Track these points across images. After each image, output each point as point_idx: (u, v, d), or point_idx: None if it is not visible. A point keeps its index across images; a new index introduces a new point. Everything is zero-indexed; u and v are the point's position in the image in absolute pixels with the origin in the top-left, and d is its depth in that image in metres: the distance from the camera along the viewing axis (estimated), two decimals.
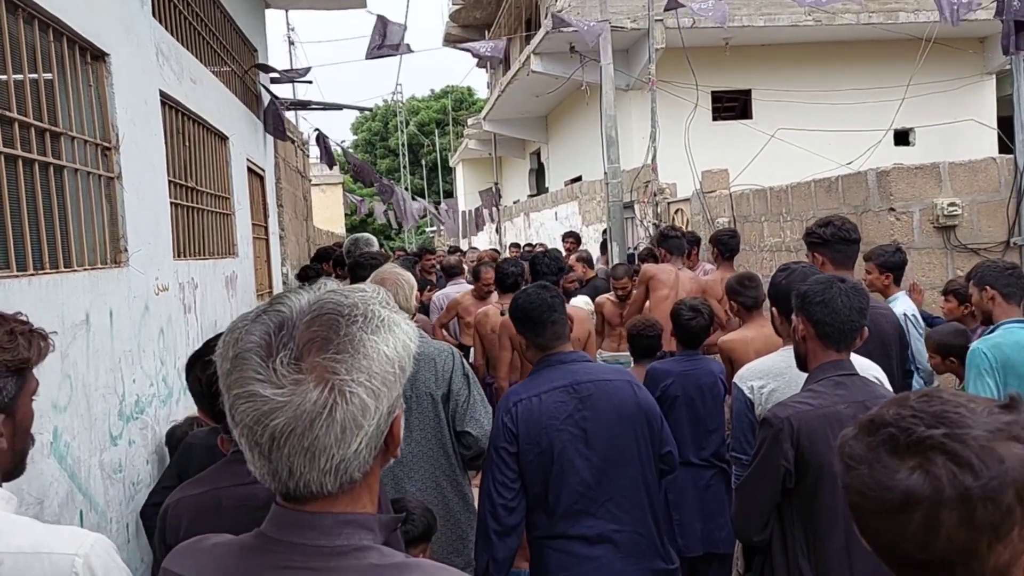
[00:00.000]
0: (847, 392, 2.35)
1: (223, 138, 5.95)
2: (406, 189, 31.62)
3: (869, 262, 4.50)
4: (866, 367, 2.66)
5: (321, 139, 9.82)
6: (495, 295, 6.10)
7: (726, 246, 6.18)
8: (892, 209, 5.93)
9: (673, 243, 6.22)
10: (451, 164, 35.66)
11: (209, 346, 1.96)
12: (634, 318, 4.91)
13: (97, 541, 1.42)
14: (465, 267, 8.44)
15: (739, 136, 12.72)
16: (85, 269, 3.16)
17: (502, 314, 5.29)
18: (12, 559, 1.32)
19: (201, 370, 1.93)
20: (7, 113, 2.63)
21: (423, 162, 41.00)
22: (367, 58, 7.58)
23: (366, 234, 6.89)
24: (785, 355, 2.77)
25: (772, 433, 2.33)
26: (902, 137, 13.83)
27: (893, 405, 1.05)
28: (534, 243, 14.09)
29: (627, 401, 2.69)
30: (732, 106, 14.34)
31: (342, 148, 11.41)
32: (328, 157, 10.51)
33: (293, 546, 1.02)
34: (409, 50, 7.58)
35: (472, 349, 6.00)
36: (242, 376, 0.98)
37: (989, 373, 3.27)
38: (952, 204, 5.79)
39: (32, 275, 2.67)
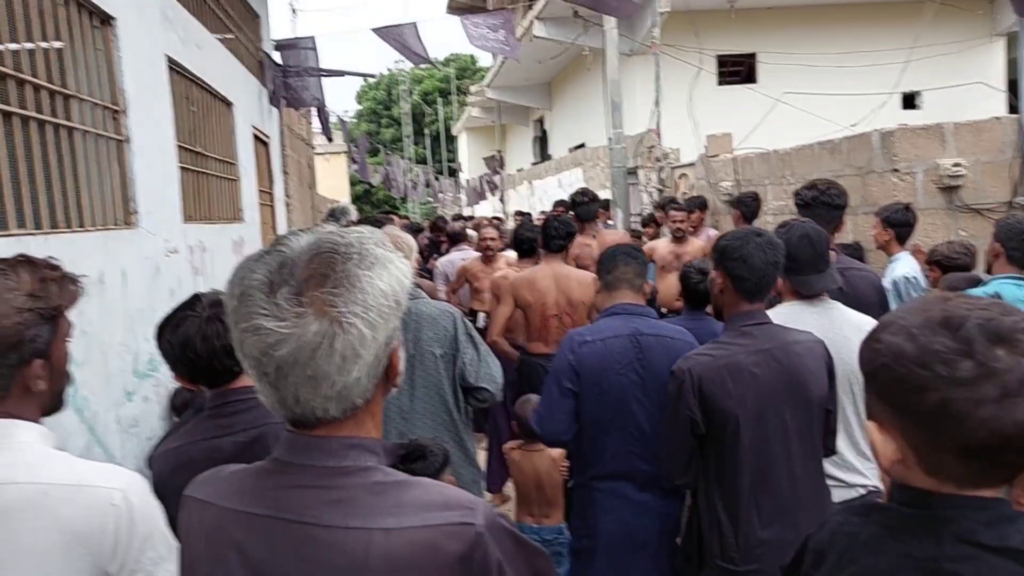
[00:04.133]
0: (752, 341, 2.43)
1: (228, 104, 5.98)
2: (409, 159, 31.59)
3: (876, 217, 4.54)
4: (858, 323, 2.71)
5: (320, 111, 9.80)
6: (502, 259, 6.15)
7: (748, 207, 6.21)
8: (896, 170, 5.95)
9: (581, 210, 5.87)
10: (454, 133, 35.52)
11: (177, 311, 1.99)
12: None
13: (135, 478, 1.47)
14: (471, 233, 8.47)
15: (744, 100, 12.67)
16: (98, 229, 3.22)
17: None
18: (56, 490, 1.36)
19: (170, 332, 1.95)
20: (20, 75, 2.67)
21: (427, 131, 40.84)
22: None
23: (343, 204, 6.93)
24: (788, 309, 2.83)
25: (677, 384, 2.44)
26: (909, 100, 13.75)
27: (946, 304, 1.07)
28: (524, 211, 14.08)
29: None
30: (737, 70, 14.25)
31: (340, 118, 11.39)
32: (326, 129, 10.51)
33: (303, 467, 1.10)
34: (426, 59, 7.51)
35: (481, 315, 6.04)
36: (248, 311, 1.05)
37: None
38: (956, 164, 5.80)
39: (48, 233, 2.73)
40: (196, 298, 1.99)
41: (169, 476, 1.84)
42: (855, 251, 4.73)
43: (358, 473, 1.09)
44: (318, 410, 1.07)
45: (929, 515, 1.08)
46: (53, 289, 1.44)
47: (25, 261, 1.46)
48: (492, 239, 6.16)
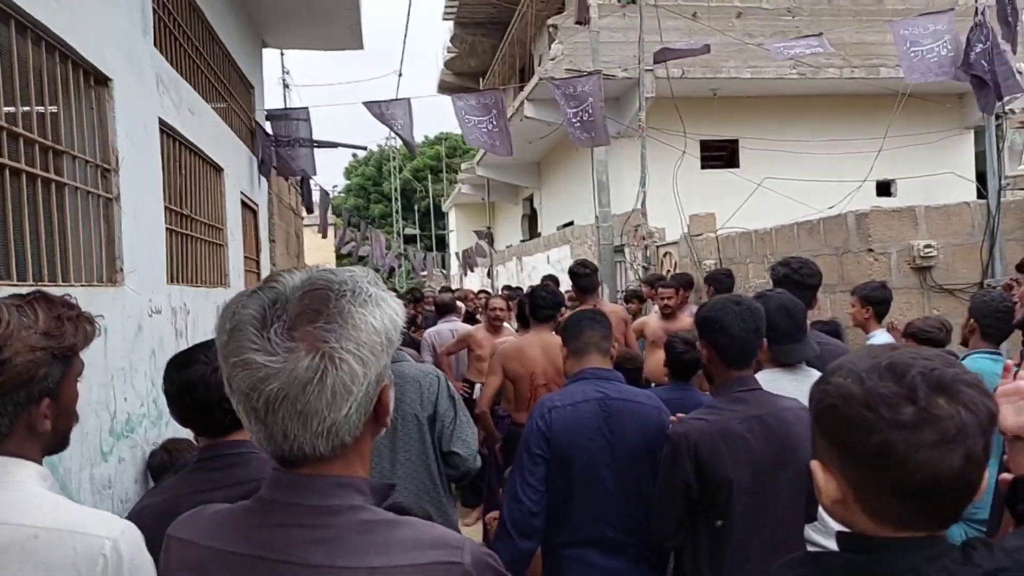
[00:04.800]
0: (745, 407, 2.47)
1: (218, 170, 6.08)
2: (398, 234, 31.87)
3: (854, 295, 4.64)
4: None
5: (304, 182, 9.95)
6: (507, 330, 6.21)
7: (722, 284, 6.27)
8: (871, 250, 6.09)
9: (583, 282, 5.84)
10: (444, 209, 35.97)
11: (189, 352, 2.00)
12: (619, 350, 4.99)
13: (127, 527, 1.44)
14: (460, 305, 8.52)
15: (727, 184, 12.99)
16: (82, 285, 3.25)
17: None
18: (47, 534, 1.34)
19: (176, 371, 1.96)
20: (12, 128, 2.74)
21: (416, 207, 41.33)
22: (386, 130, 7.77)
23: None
24: (768, 376, 2.87)
25: (672, 449, 2.47)
26: (884, 188, 14.14)
27: (894, 353, 1.12)
28: (512, 286, 14.20)
29: (652, 424, 2.80)
30: (720, 155, 14.65)
31: (322, 189, 11.56)
32: (307, 200, 10.63)
33: (289, 506, 1.09)
34: (410, 147, 7.78)
35: (478, 385, 6.03)
36: (239, 345, 1.04)
37: None
38: (928, 246, 5.95)
39: (32, 286, 2.76)
40: (211, 344, 2.01)
41: (153, 528, 1.81)
42: (832, 328, 4.81)
43: (345, 512, 1.08)
44: (307, 447, 1.06)
45: (873, 559, 1.11)
46: (68, 328, 1.43)
47: (41, 297, 1.45)
48: (500, 309, 6.23)
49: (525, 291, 11.82)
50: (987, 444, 1.06)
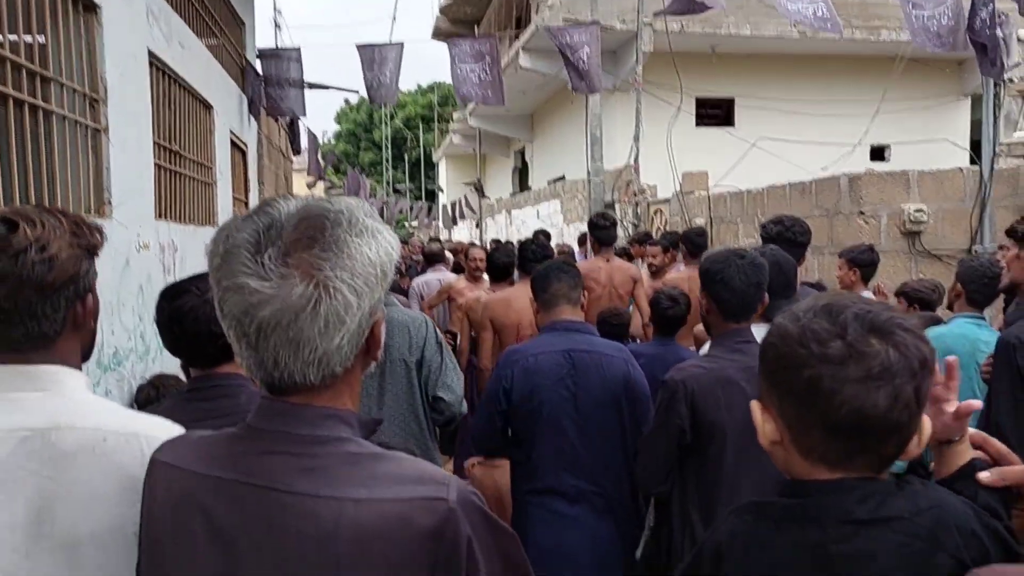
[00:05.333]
0: (742, 357, 2.48)
1: (208, 107, 5.99)
2: (388, 183, 31.59)
3: (841, 258, 4.66)
4: None
5: (293, 123, 9.83)
6: (486, 281, 6.20)
7: (695, 244, 6.13)
8: (862, 213, 6.11)
9: (602, 234, 5.88)
10: (435, 160, 35.67)
11: (182, 283, 2.00)
12: (609, 307, 5.01)
13: (183, 430, 1.47)
14: (449, 256, 8.49)
15: (721, 143, 12.93)
16: None
17: None
18: (114, 437, 1.35)
19: (168, 301, 1.95)
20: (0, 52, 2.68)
21: (407, 157, 40.96)
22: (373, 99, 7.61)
23: None
24: (757, 332, 2.89)
25: (668, 394, 2.48)
26: (878, 153, 14.11)
27: (833, 298, 1.14)
28: (501, 240, 14.18)
29: (617, 375, 2.82)
30: (715, 113, 14.54)
31: (310, 131, 11.43)
32: (295, 142, 10.51)
33: (276, 434, 1.08)
34: (388, 97, 7.56)
35: (459, 334, 6.08)
36: (231, 269, 1.03)
37: None
38: (919, 210, 5.97)
39: None
40: (204, 276, 1.99)
41: None
42: (819, 289, 4.84)
43: (332, 443, 1.08)
44: (297, 375, 1.05)
45: (809, 503, 1.13)
46: (86, 230, 1.43)
47: (48, 210, 1.45)
48: (481, 260, 6.21)
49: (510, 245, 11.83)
50: (919, 388, 1.07)
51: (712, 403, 2.41)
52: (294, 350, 1.03)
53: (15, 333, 1.35)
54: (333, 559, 1.02)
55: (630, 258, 8.51)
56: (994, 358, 2.77)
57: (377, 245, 1.07)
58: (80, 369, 1.46)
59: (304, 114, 8.59)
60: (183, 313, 1.91)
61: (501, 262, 5.40)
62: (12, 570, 1.30)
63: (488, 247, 12.86)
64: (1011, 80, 10.86)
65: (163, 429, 1.42)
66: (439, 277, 7.04)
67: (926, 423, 1.11)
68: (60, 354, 1.41)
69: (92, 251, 1.43)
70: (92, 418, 1.36)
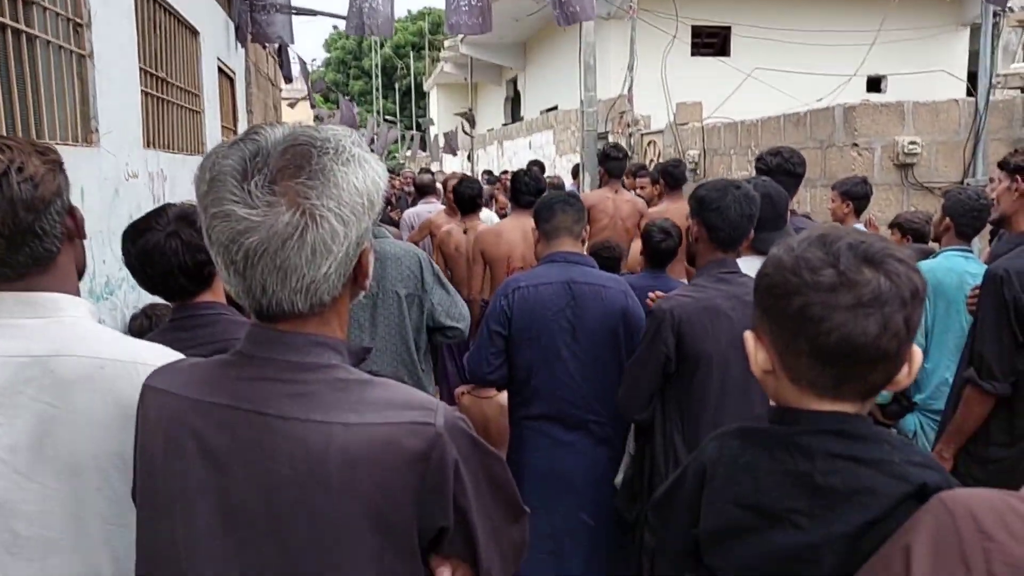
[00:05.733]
0: (728, 287, 2.51)
1: (194, 32, 5.86)
2: (378, 113, 31.12)
3: (834, 191, 4.66)
4: None
5: (282, 50, 9.61)
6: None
7: (671, 176, 5.93)
8: (855, 144, 6.08)
9: (613, 165, 5.93)
10: (426, 89, 35.10)
11: (141, 221, 1.98)
12: (601, 239, 5.02)
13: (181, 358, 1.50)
14: (439, 187, 8.44)
15: (717, 72, 12.73)
16: (57, 144, 3.17)
17: (464, 232, 5.40)
18: (112, 365, 1.37)
19: (131, 242, 1.94)
20: None
21: (397, 86, 40.26)
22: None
23: None
24: (746, 264, 2.91)
25: (655, 322, 2.51)
26: (875, 84, 13.96)
27: (828, 230, 1.16)
28: (492, 171, 14.06)
29: (616, 307, 2.86)
30: (711, 43, 14.30)
31: (300, 58, 11.20)
32: (286, 68, 10.30)
33: (267, 360, 1.10)
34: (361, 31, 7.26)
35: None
36: (218, 196, 1.03)
37: None
38: (912, 142, 5.94)
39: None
40: (163, 209, 1.96)
41: None
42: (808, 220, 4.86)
43: (321, 369, 1.09)
44: (285, 303, 1.07)
45: (799, 431, 1.16)
46: (44, 149, 1.44)
47: (6, 137, 1.46)
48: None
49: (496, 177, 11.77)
50: (908, 317, 1.09)
51: (699, 331, 2.45)
52: (282, 278, 1.04)
53: (20, 256, 1.36)
54: (323, 481, 1.04)
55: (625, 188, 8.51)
56: (981, 290, 2.80)
57: (364, 174, 1.07)
58: (79, 294, 1.47)
59: (292, 41, 8.42)
60: (148, 252, 1.90)
61: (466, 194, 5.44)
62: (15, 491, 1.33)
63: (482, 178, 12.80)
64: (1011, 9, 10.68)
65: (161, 357, 1.43)
66: (430, 209, 7.01)
67: (916, 353, 1.13)
68: (61, 273, 1.42)
69: (61, 167, 1.44)
70: (91, 346, 1.38)
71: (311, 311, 1.09)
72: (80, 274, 1.52)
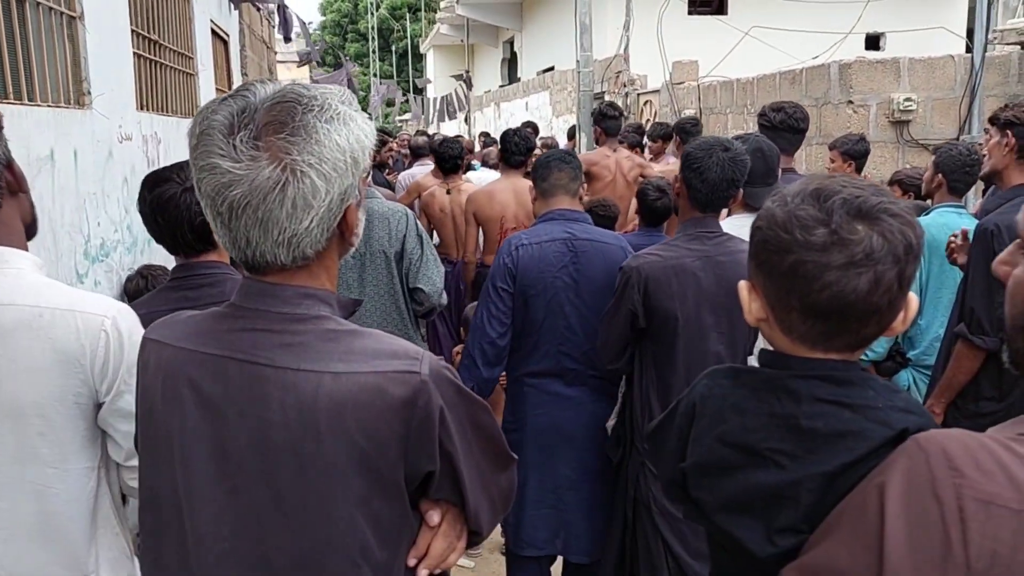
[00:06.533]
0: (700, 246, 2.54)
1: None
2: (375, 75, 30.81)
3: (833, 150, 4.64)
4: None
5: (281, 9, 9.52)
6: (467, 175, 6.20)
7: (689, 134, 6.09)
8: (851, 102, 6.06)
9: (610, 123, 5.98)
10: (422, 51, 34.72)
11: (163, 171, 2.03)
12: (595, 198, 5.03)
13: (124, 307, 1.56)
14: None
15: (714, 31, 12.60)
16: (49, 106, 3.17)
17: (447, 193, 5.41)
18: (51, 313, 1.44)
19: (148, 191, 1.99)
20: None
21: (393, 48, 39.82)
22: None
23: None
24: (738, 221, 2.93)
25: (624, 279, 2.56)
26: (873, 42, 13.82)
27: (824, 182, 1.15)
28: (489, 133, 13.95)
29: (616, 263, 2.87)
30: (708, 0, 14.14)
31: (300, 19, 11.08)
32: (286, 28, 10.19)
33: (258, 312, 1.14)
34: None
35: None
36: (206, 150, 1.07)
37: None
38: (908, 99, 5.93)
39: None
40: (185, 164, 2.02)
41: None
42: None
43: (311, 320, 1.13)
44: (268, 255, 1.10)
45: (788, 375, 1.19)
46: None
47: None
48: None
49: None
50: (902, 272, 1.09)
51: (665, 291, 2.49)
52: (264, 230, 1.08)
53: None
54: (313, 426, 1.09)
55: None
56: (972, 244, 2.82)
57: (348, 132, 1.10)
58: (26, 249, 1.54)
59: (284, 3, 8.32)
60: (164, 201, 1.94)
61: (447, 155, 5.45)
62: None
63: (479, 141, 12.72)
64: None
65: (102, 305, 1.51)
66: (425, 171, 7.01)
67: (912, 301, 1.14)
68: (3, 228, 1.48)
69: None
70: (31, 296, 1.44)
71: (294, 264, 1.12)
72: (29, 228, 1.58)
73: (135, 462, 1.49)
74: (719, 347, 2.56)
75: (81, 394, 1.49)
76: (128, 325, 1.53)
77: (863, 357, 3.55)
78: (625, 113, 11.32)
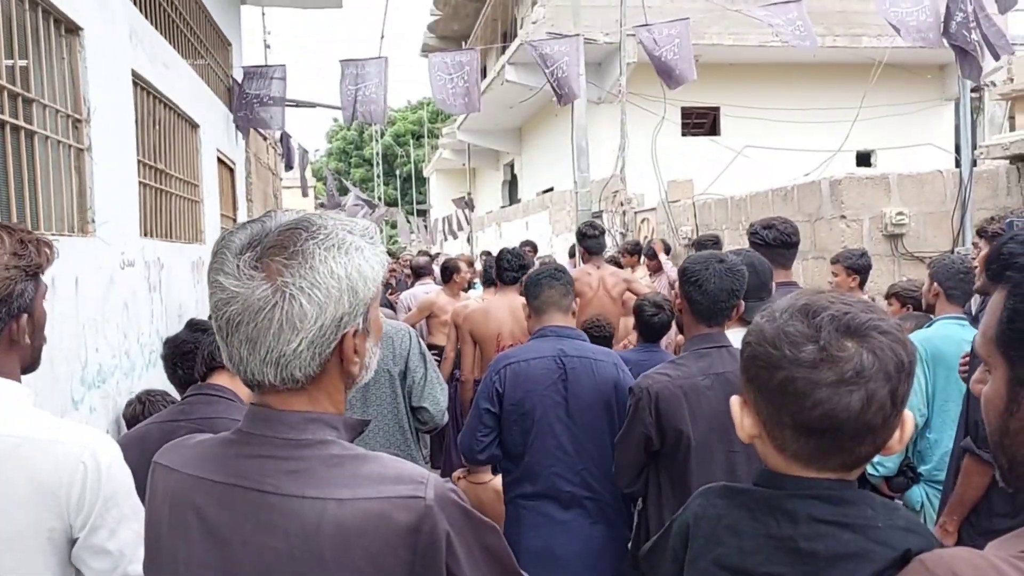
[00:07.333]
0: (708, 363, 2.49)
1: (194, 125, 6.03)
2: (379, 199, 31.61)
3: (837, 264, 4.66)
4: None
5: (285, 139, 9.88)
6: (468, 294, 6.25)
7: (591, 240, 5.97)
8: (843, 217, 6.16)
9: (590, 242, 5.97)
10: (425, 174, 35.74)
11: (191, 327, 2.37)
12: (590, 316, 5.04)
13: (105, 440, 1.55)
14: (435, 268, 8.52)
15: (707, 152, 12.99)
16: (52, 235, 3.24)
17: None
18: (31, 444, 1.44)
19: (171, 340, 2.32)
20: None
21: (397, 172, 41.03)
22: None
23: None
24: (732, 334, 2.92)
25: (634, 401, 2.51)
26: (864, 159, 14.21)
27: (812, 298, 1.14)
28: (491, 252, 14.18)
29: (608, 379, 2.86)
30: (701, 122, 14.63)
31: (300, 147, 11.49)
32: (288, 156, 10.56)
33: (264, 439, 1.14)
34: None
35: (446, 347, 6.12)
36: (215, 267, 1.12)
37: (919, 364, 3.44)
38: (900, 213, 6.03)
39: None
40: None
41: (125, 448, 1.97)
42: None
43: (316, 446, 1.13)
44: (256, 373, 1.11)
45: (784, 494, 1.15)
46: (32, 249, 1.51)
47: (2, 226, 1.53)
48: (466, 279, 6.27)
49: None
50: (895, 390, 1.07)
51: (676, 411, 2.43)
52: (251, 348, 1.10)
53: None
54: (318, 555, 1.07)
55: (619, 266, 8.60)
56: (971, 356, 2.79)
57: (348, 260, 1.11)
58: (19, 380, 1.54)
59: (282, 127, 8.64)
60: (180, 341, 2.43)
61: (513, 265, 5.26)
62: None
63: (481, 259, 12.90)
64: (992, 84, 10.97)
65: (83, 438, 1.50)
66: (427, 291, 7.07)
67: (908, 419, 1.12)
68: None
69: (34, 271, 1.52)
70: (13, 426, 1.44)
71: (283, 385, 1.12)
72: (30, 368, 1.60)
73: None
74: (732, 467, 2.49)
75: (55, 529, 1.45)
76: (108, 457, 1.51)
77: (873, 473, 3.48)
78: (624, 231, 11.53)
